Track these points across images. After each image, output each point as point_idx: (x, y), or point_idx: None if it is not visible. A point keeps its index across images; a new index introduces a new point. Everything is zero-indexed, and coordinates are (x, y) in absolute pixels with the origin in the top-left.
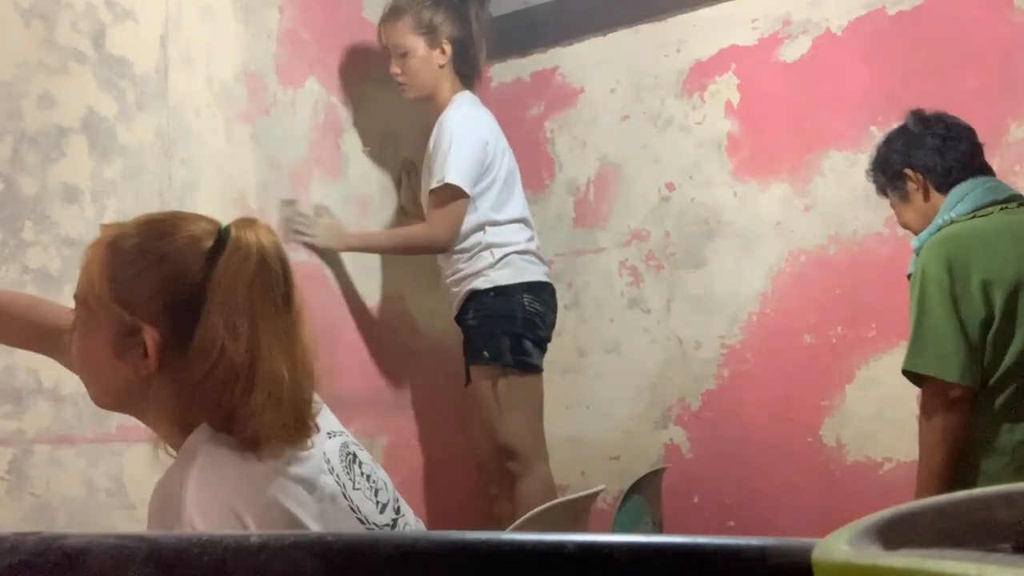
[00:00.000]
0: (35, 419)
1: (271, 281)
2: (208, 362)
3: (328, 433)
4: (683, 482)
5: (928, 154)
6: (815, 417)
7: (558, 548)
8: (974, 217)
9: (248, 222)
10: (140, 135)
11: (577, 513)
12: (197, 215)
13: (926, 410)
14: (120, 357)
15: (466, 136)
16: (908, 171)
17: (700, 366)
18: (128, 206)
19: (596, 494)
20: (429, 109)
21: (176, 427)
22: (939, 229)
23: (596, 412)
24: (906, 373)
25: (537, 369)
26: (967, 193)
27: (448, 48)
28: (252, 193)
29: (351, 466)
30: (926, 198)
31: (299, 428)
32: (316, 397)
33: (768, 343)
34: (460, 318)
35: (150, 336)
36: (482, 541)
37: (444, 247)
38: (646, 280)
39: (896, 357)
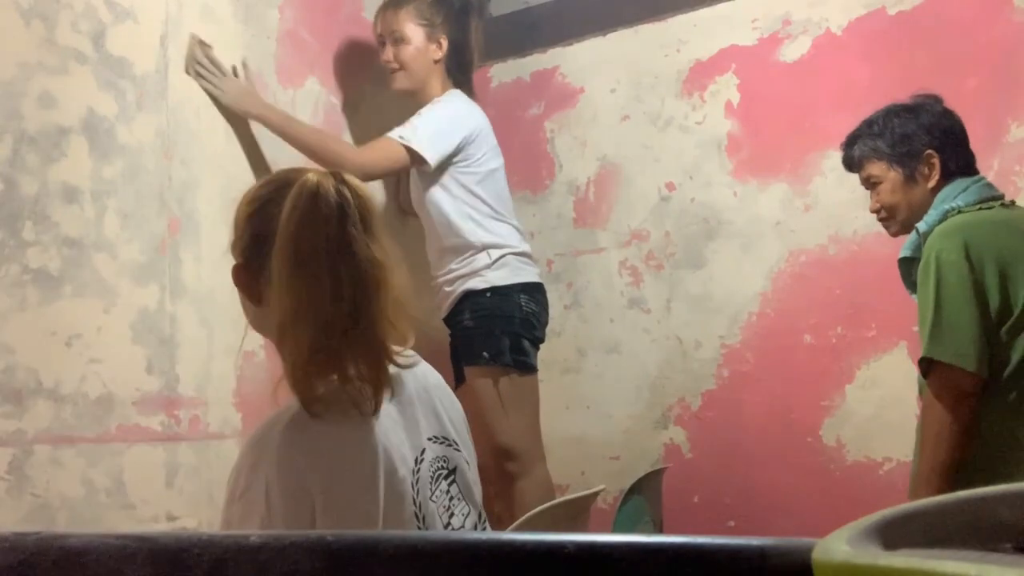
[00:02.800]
0: (35, 419)
1: (318, 222)
2: (271, 298)
3: (434, 438)
4: (683, 482)
5: (955, 142)
6: (815, 417)
7: (558, 548)
8: (980, 209)
9: (330, 172)
10: (140, 135)
11: (577, 513)
12: (318, 170)
13: (937, 400)
14: (237, 289)
15: (446, 112)
16: (931, 153)
17: (700, 366)
18: (128, 206)
19: (596, 494)
20: (417, 107)
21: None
22: (945, 216)
23: (596, 412)
24: (921, 361)
25: (534, 369)
26: (968, 186)
27: (444, 44)
28: None
29: (440, 480)
30: (936, 186)
31: (371, 379)
32: (428, 383)
33: (768, 343)
34: (452, 319)
35: (237, 270)
36: (482, 541)
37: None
38: (646, 280)
39: (896, 357)
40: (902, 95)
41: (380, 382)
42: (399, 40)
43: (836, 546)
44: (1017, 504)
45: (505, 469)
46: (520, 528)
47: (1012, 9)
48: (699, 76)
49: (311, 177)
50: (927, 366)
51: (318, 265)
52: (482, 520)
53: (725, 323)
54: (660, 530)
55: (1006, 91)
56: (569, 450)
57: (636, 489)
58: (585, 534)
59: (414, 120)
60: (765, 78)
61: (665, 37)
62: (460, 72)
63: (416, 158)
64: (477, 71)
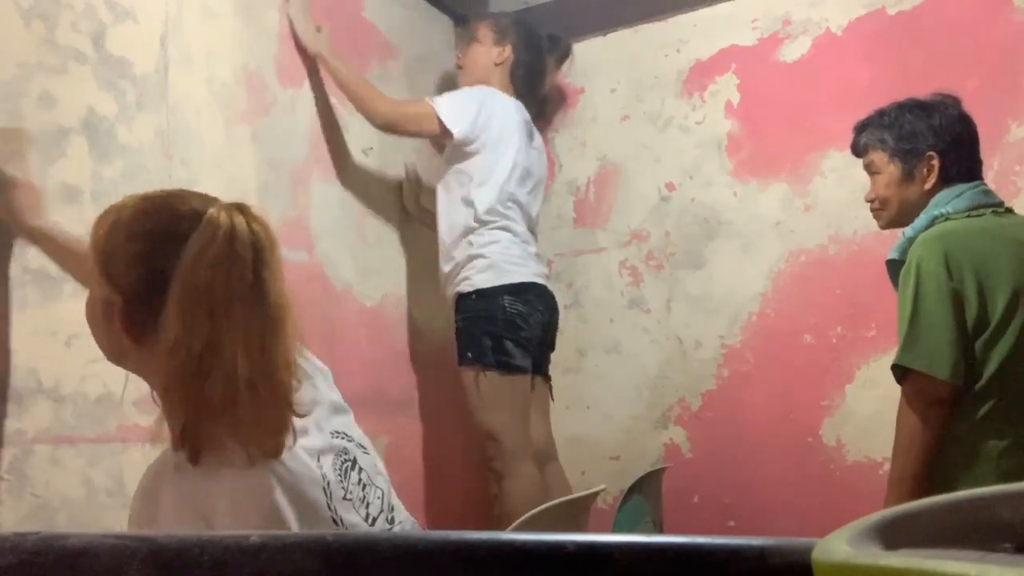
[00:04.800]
0: (35, 419)
1: (235, 266)
2: (168, 345)
3: (333, 432)
4: (683, 482)
5: (962, 148)
6: (815, 417)
7: (558, 548)
8: (968, 216)
9: (233, 205)
10: (140, 135)
11: (577, 513)
12: (198, 194)
13: (909, 407)
14: (109, 324)
15: (480, 94)
16: (932, 155)
17: (700, 366)
18: None
19: (596, 494)
20: None
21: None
22: (933, 222)
23: (596, 412)
24: (894, 367)
25: (520, 370)
26: (963, 192)
27: (507, 52)
28: (252, 193)
29: (347, 474)
30: (933, 188)
31: (271, 428)
32: (321, 394)
33: (768, 343)
34: (455, 320)
35: (116, 308)
36: (482, 541)
37: (378, 123)
38: (646, 280)
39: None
40: (902, 95)
41: (281, 435)
42: (472, 40)
43: (836, 546)
44: (1017, 504)
45: (492, 467)
46: (520, 528)
47: (1012, 9)
48: (699, 76)
49: (221, 215)
50: (901, 373)
51: (231, 310)
52: (389, 491)
53: (725, 323)
54: (660, 530)
55: (1006, 91)
56: (569, 450)
57: (636, 489)
58: (585, 534)
59: (448, 93)
60: (765, 78)
61: (665, 37)
62: (526, 89)
63: (443, 127)
64: None
